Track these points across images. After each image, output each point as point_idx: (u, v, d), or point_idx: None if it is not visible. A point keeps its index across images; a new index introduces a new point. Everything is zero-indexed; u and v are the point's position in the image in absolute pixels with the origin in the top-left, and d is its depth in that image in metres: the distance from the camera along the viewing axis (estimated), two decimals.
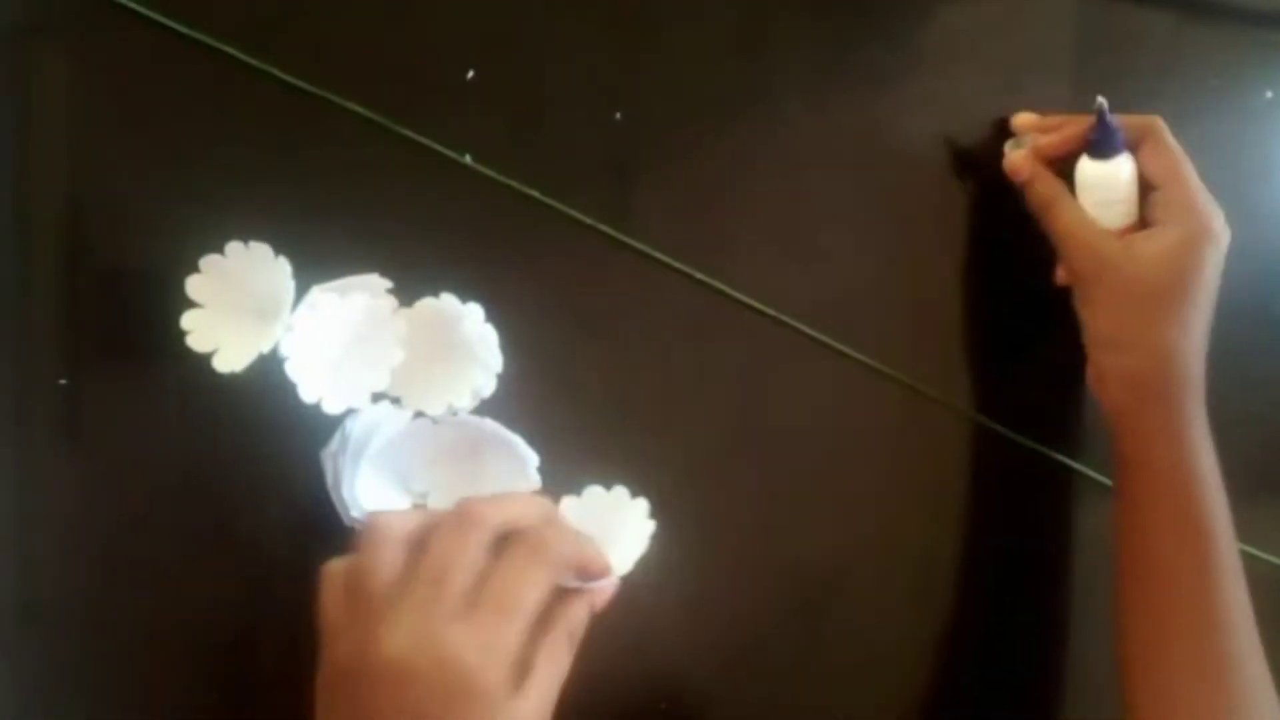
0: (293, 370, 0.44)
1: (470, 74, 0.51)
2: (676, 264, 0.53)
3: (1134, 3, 0.56)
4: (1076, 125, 0.52)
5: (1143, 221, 0.51)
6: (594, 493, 0.50)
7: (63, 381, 0.49)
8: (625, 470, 0.50)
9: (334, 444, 0.47)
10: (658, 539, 0.50)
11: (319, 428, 0.47)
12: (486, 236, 0.51)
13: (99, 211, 0.49)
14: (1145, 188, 0.51)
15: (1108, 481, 0.56)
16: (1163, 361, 0.49)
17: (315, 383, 0.45)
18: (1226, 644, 0.48)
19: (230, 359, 0.46)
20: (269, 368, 0.45)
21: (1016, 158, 0.53)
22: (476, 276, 0.49)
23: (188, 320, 0.46)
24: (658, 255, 0.53)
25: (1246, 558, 0.50)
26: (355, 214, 0.50)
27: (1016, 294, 0.57)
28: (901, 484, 0.56)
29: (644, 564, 0.50)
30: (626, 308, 0.53)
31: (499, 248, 0.51)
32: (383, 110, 0.50)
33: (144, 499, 0.50)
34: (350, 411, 0.47)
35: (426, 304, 0.48)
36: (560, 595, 0.41)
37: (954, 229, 0.56)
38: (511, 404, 0.49)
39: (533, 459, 0.48)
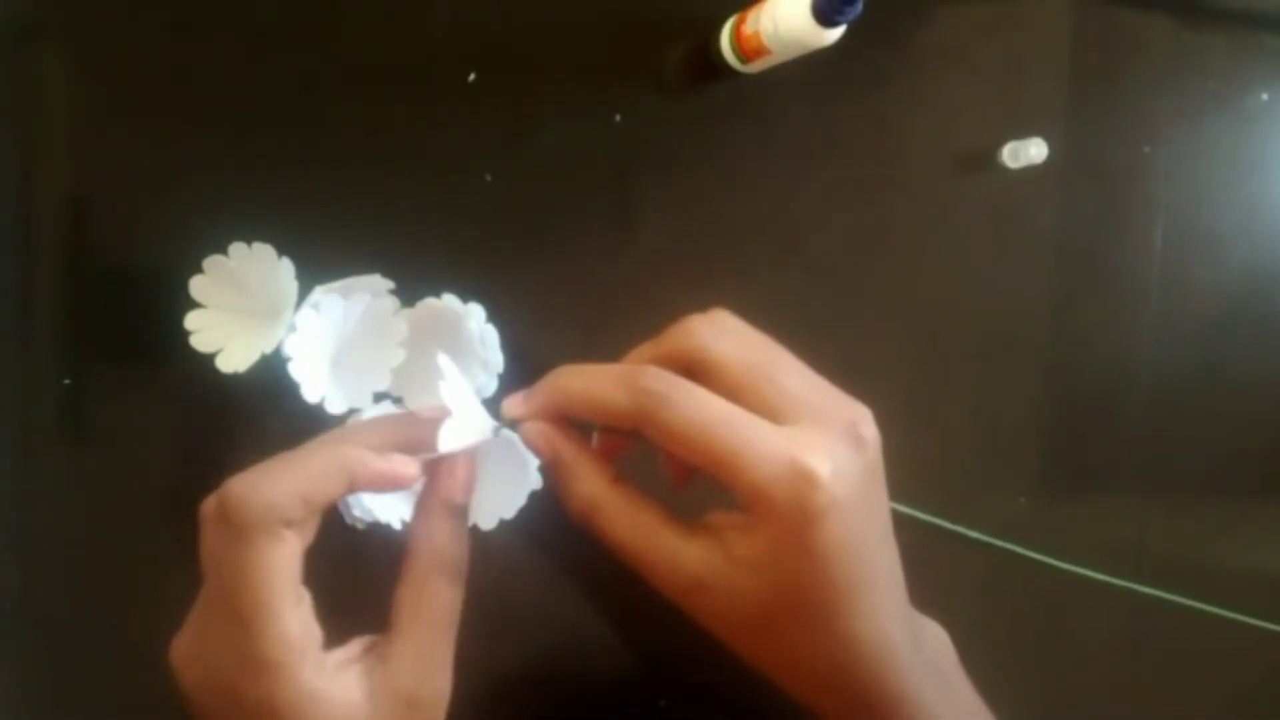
0: (295, 370, 0.44)
1: (471, 76, 0.51)
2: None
3: (1133, 4, 0.56)
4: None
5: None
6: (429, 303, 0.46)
7: (66, 382, 0.49)
8: (627, 468, 0.50)
9: None
10: None
11: (321, 428, 0.47)
12: (488, 237, 0.52)
13: (102, 212, 0.49)
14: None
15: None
16: (838, 681, 0.35)
17: (318, 383, 0.45)
18: None
19: (233, 359, 0.46)
20: (272, 368, 0.45)
21: (528, 430, 0.37)
22: (478, 277, 0.49)
23: (191, 321, 0.47)
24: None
25: (1232, 625, 0.49)
26: (358, 215, 0.50)
27: (1013, 296, 0.57)
28: None
29: None
30: (627, 308, 0.53)
31: (500, 248, 0.52)
32: (386, 112, 0.50)
33: (147, 499, 0.50)
34: (352, 411, 0.47)
35: (428, 304, 0.48)
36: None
37: (953, 229, 0.56)
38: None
39: (533, 459, 0.48)
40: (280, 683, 0.33)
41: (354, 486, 0.35)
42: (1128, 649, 0.57)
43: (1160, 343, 0.57)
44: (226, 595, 0.33)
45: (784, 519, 0.32)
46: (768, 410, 0.34)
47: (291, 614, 0.33)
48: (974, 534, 0.56)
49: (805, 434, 0.33)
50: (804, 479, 0.32)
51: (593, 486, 0.36)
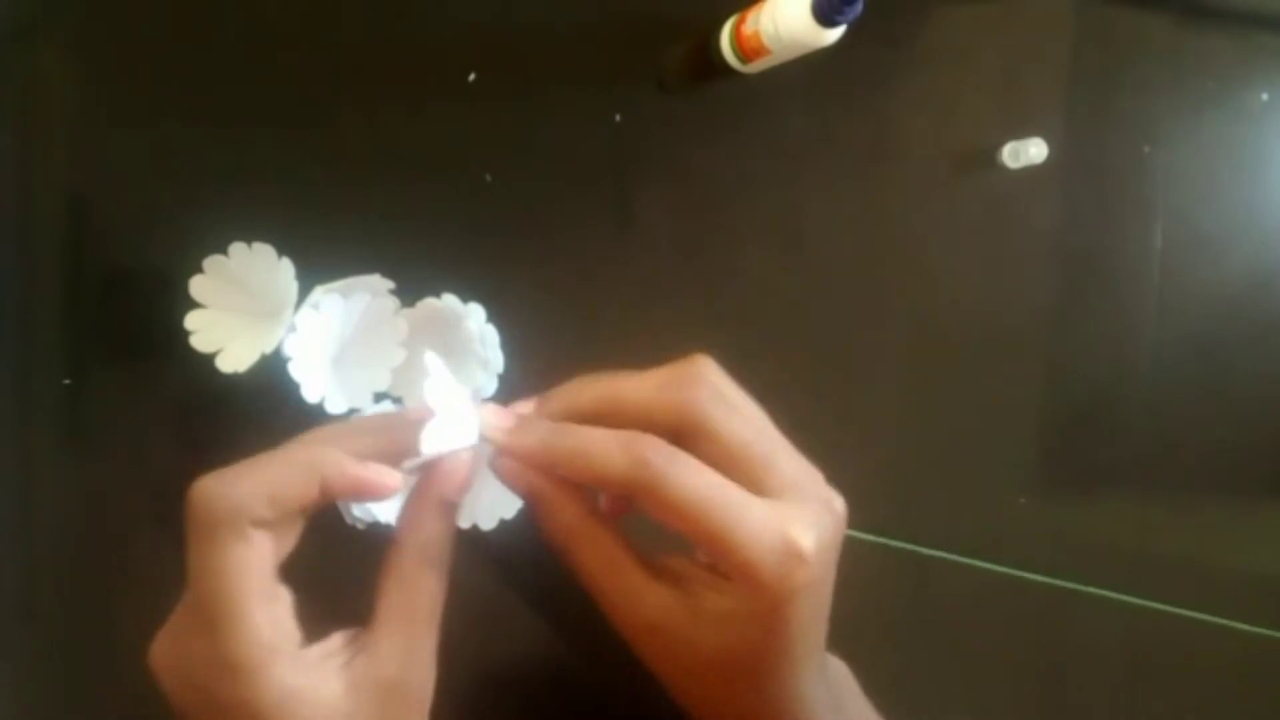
0: (295, 370, 0.44)
1: (471, 76, 0.51)
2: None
3: (1133, 4, 0.56)
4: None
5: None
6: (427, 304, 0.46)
7: (66, 382, 0.49)
8: None
9: None
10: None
11: None
12: (488, 237, 0.52)
13: (102, 212, 0.49)
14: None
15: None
16: None
17: (318, 383, 0.45)
18: None
19: (233, 359, 0.46)
20: (272, 368, 0.45)
21: (502, 466, 0.37)
22: (478, 277, 0.49)
23: (191, 321, 0.47)
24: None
25: (1218, 629, 0.49)
26: (358, 215, 0.50)
27: (1013, 296, 0.57)
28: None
29: None
30: (627, 308, 0.53)
31: (500, 248, 0.52)
32: (386, 112, 0.50)
33: (146, 499, 0.50)
34: (352, 411, 0.47)
35: (428, 304, 0.48)
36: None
37: (953, 229, 0.56)
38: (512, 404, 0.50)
39: None
40: (254, 685, 0.33)
41: (327, 491, 0.34)
42: (1123, 656, 0.57)
43: (1160, 343, 0.57)
44: (196, 595, 0.33)
45: (767, 592, 0.34)
46: (756, 484, 0.35)
47: (261, 613, 0.33)
48: (956, 558, 0.56)
49: (793, 509, 0.35)
50: (793, 557, 0.34)
51: (569, 518, 0.37)
